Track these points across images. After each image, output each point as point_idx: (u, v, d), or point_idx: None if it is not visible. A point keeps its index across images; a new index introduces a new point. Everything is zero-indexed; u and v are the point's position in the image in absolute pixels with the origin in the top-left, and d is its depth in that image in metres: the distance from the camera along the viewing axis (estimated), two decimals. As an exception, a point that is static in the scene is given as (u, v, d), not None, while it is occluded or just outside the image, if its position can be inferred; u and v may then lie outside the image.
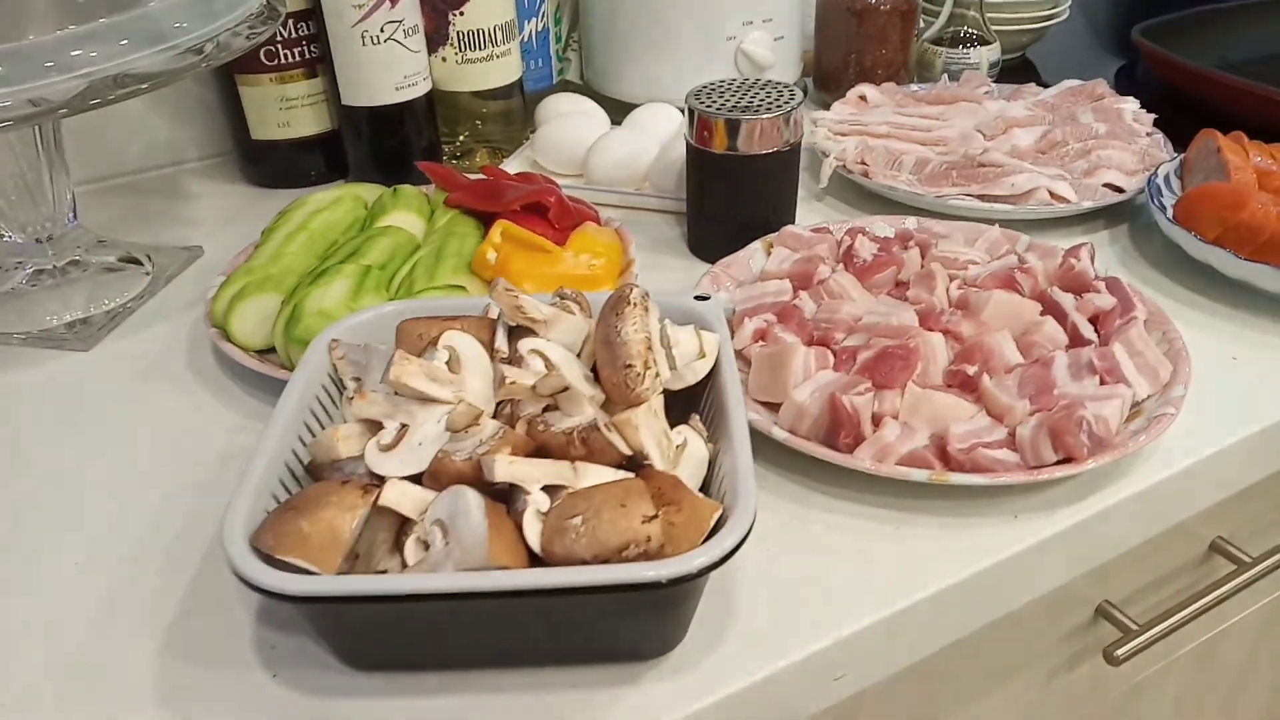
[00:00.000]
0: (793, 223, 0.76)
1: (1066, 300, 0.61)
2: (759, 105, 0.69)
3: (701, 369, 0.47)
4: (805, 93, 1.01)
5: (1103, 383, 0.55)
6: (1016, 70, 1.12)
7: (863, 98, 0.91)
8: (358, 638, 0.41)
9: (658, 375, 0.43)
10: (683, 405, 0.49)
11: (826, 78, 0.99)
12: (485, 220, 0.70)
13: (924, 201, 0.75)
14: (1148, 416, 0.53)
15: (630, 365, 0.42)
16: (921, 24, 1.04)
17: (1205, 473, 0.55)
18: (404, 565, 0.40)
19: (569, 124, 0.86)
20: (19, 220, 0.70)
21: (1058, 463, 0.50)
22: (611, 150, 0.82)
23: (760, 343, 0.60)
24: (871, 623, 0.46)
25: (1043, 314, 0.61)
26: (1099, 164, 0.77)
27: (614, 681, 0.43)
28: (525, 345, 0.44)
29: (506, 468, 0.39)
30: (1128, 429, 0.53)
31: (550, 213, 0.68)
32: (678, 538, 0.40)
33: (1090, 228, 0.77)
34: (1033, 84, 0.93)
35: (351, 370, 0.49)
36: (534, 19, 0.92)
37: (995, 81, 1.00)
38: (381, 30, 0.78)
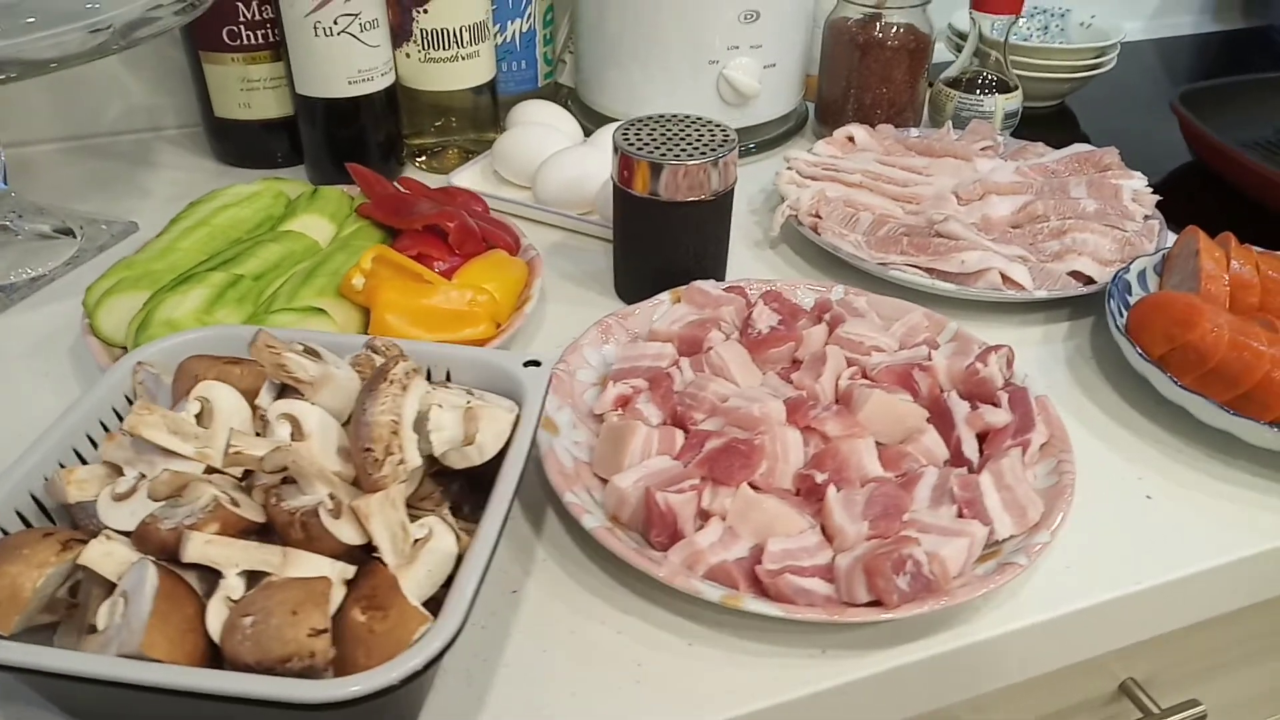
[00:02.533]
0: (722, 275, 0.72)
1: (959, 410, 0.55)
2: (690, 147, 0.65)
3: (488, 450, 0.44)
4: (805, 121, 0.96)
5: (960, 515, 0.49)
6: (1051, 120, 1.03)
7: (850, 139, 0.85)
8: (54, 694, 0.40)
9: (402, 462, 0.40)
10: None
11: (826, 110, 0.93)
12: (394, 235, 0.68)
13: (868, 266, 0.70)
14: (999, 562, 0.47)
15: (369, 449, 0.39)
16: (955, 57, 0.97)
17: (1067, 630, 0.50)
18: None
19: (529, 134, 0.82)
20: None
21: (869, 604, 0.45)
22: (561, 169, 0.78)
23: (619, 411, 0.56)
24: (618, 755, 0.42)
25: (931, 421, 0.55)
26: (1071, 248, 0.70)
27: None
28: (276, 408, 0.41)
29: (200, 547, 0.37)
30: (975, 571, 0.47)
31: (450, 237, 0.65)
32: (376, 648, 0.37)
33: (1052, 317, 0.70)
34: (1041, 144, 0.85)
35: (146, 399, 0.47)
36: (518, 19, 0.89)
37: (1013, 134, 0.93)
38: (335, 22, 0.76)
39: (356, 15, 0.76)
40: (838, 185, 0.79)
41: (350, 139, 0.83)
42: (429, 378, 0.50)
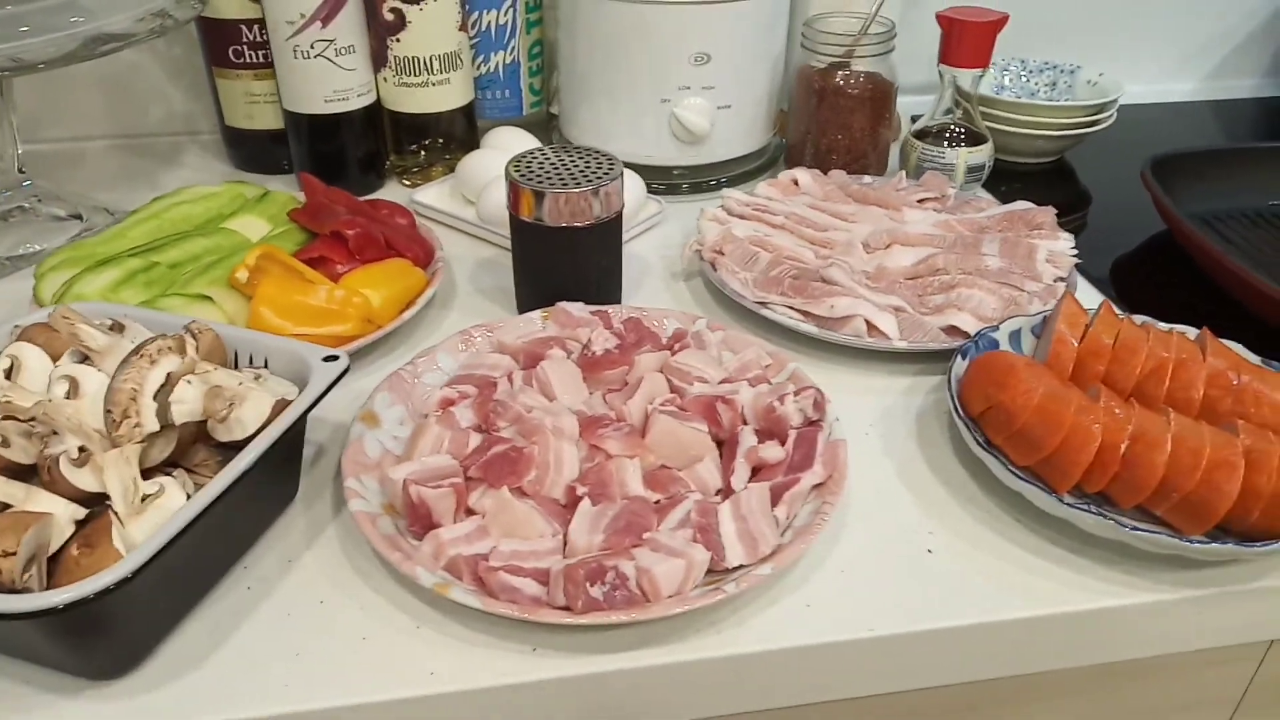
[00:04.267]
0: (616, 298, 0.75)
1: (744, 443, 0.57)
2: (575, 176, 0.69)
3: (249, 426, 0.50)
4: (777, 159, 0.98)
5: (694, 539, 0.51)
6: (1041, 177, 1.01)
7: (795, 181, 0.87)
8: None
9: (138, 425, 0.46)
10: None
11: (790, 153, 0.95)
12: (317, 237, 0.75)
13: (747, 304, 0.72)
14: (713, 587, 0.49)
15: (110, 411, 0.46)
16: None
17: (782, 665, 0.50)
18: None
19: (486, 158, 0.88)
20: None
21: (562, 608, 0.48)
22: (499, 190, 0.83)
23: (439, 412, 0.61)
24: (325, 708, 0.46)
25: (723, 451, 0.57)
26: (953, 303, 0.70)
27: (60, 689, 0.47)
28: (59, 370, 0.48)
29: (-49, 477, 0.44)
30: (692, 594, 0.49)
31: (349, 243, 0.72)
32: (77, 579, 0.43)
33: (926, 369, 0.70)
34: (988, 198, 0.84)
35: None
36: (501, 51, 0.95)
37: (995, 190, 0.93)
38: (312, 47, 0.84)
39: (332, 41, 0.85)
40: (759, 225, 0.81)
41: (332, 153, 0.91)
42: (250, 362, 0.57)
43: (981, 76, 0.89)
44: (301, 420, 0.52)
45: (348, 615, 0.51)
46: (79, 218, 0.88)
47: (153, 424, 0.47)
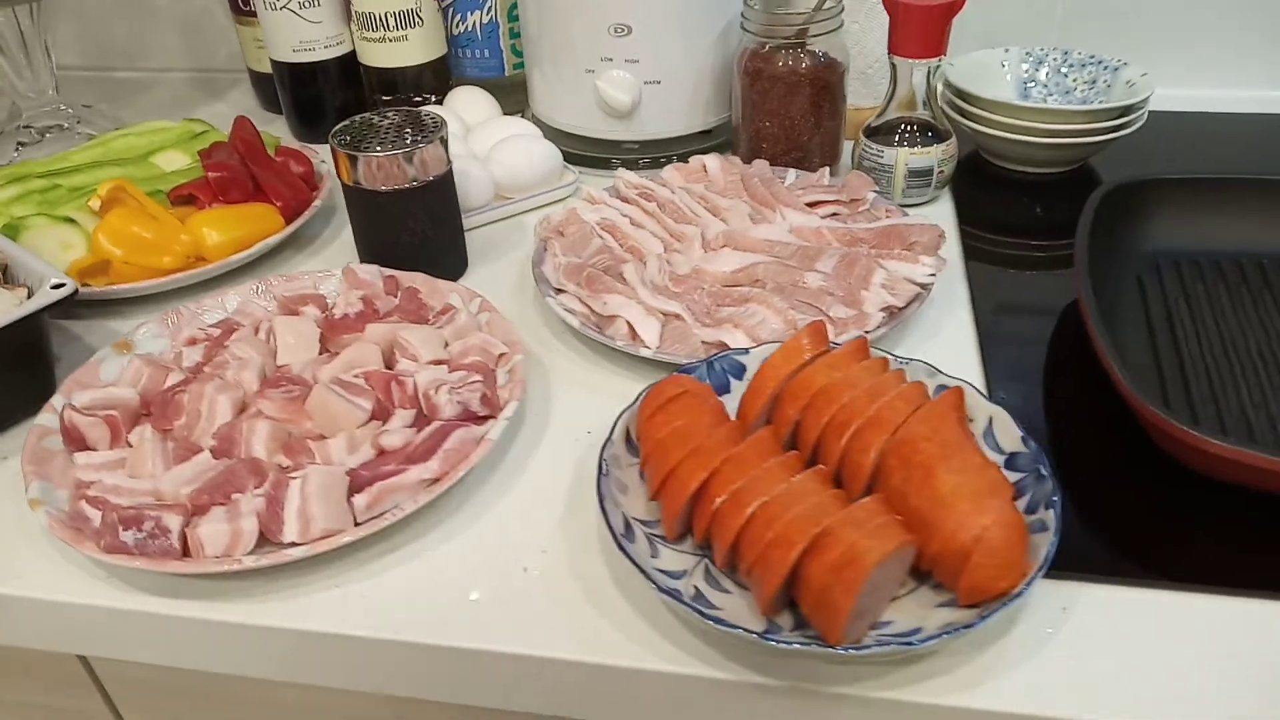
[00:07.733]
0: (457, 266, 0.77)
1: (386, 427, 0.56)
2: (395, 139, 0.70)
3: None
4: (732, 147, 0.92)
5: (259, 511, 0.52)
6: (1063, 185, 0.86)
7: (704, 167, 0.82)
8: None
9: None
10: None
11: (734, 134, 0.89)
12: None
13: (544, 288, 0.70)
14: (271, 562, 0.50)
15: None
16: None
17: (296, 645, 0.51)
18: None
19: (424, 116, 0.91)
20: (17, 88, 0.98)
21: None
22: (413, 150, 0.86)
23: (180, 349, 0.65)
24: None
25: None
26: (733, 318, 0.63)
27: None
28: None
29: None
30: (247, 560, 0.51)
31: (213, 185, 0.78)
32: None
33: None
34: (891, 208, 0.75)
35: None
36: (478, 11, 0.96)
37: (963, 192, 0.82)
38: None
39: (295, -6, 0.90)
40: (635, 209, 0.77)
41: (310, 99, 0.98)
42: (21, 280, 0.64)
43: (937, 67, 0.78)
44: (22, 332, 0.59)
45: (4, 512, 0.58)
46: (103, 137, 1.01)
47: None
